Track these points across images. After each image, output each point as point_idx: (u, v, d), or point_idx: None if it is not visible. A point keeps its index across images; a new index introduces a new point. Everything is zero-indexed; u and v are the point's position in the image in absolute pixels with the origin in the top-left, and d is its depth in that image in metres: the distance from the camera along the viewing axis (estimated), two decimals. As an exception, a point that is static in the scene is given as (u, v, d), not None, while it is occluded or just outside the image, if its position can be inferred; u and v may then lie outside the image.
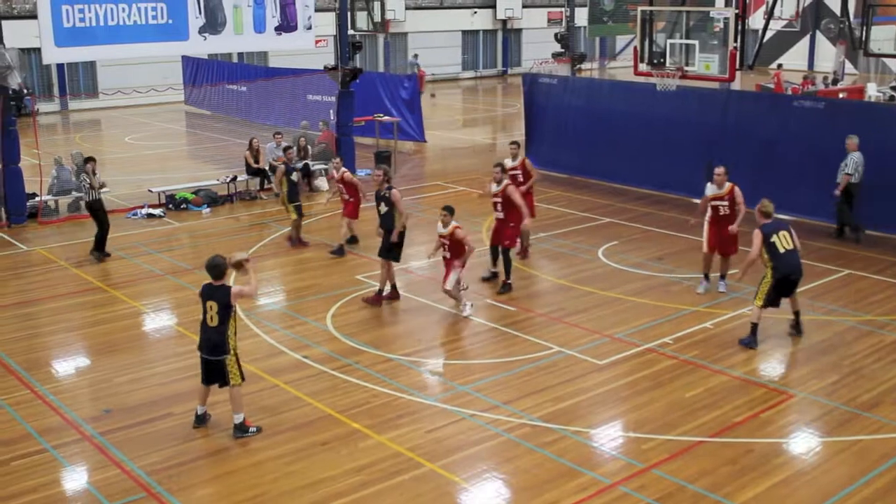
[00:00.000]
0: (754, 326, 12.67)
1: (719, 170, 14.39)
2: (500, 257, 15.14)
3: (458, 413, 10.70)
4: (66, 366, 12.58)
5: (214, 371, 10.25)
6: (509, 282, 14.95)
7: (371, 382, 11.51)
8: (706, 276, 14.83)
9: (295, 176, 17.95)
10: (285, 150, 19.02)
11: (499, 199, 14.85)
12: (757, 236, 12.51)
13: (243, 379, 10.34)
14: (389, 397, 11.15)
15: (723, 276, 14.77)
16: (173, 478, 9.35)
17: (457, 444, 10.02)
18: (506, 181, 14.93)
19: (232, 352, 10.19)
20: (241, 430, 10.24)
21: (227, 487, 9.23)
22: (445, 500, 8.98)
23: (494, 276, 15.32)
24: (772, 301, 12.61)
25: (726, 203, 14.33)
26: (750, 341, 12.60)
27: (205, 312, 10.17)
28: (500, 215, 14.96)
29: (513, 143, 17.42)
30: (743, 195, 14.32)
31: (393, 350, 12.56)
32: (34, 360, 12.54)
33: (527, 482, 9.24)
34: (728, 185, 14.34)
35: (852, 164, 17.32)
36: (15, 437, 10.28)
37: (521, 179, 16.34)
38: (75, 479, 9.50)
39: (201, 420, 10.52)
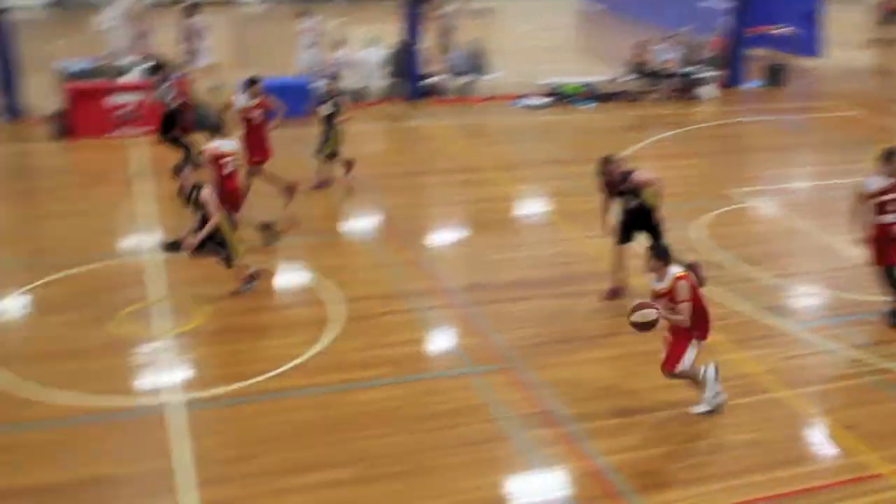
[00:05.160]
0: None
1: None
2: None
3: (822, 346, 10.21)
4: (442, 237, 13.52)
5: None
6: None
7: (730, 301, 11.18)
8: None
9: (327, 108, 14.26)
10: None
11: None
12: None
13: None
14: (748, 318, 10.81)
15: None
16: (529, 357, 9.74)
17: (814, 376, 9.63)
18: None
19: None
20: None
21: (581, 374, 9.44)
22: (791, 430, 8.62)
23: None
24: None
25: None
26: None
27: None
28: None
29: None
30: None
31: (768, 269, 12.07)
32: (415, 230, 13.53)
33: (879, 430, 8.58)
34: None
35: None
36: (391, 294, 11.23)
37: None
38: (443, 340, 10.28)
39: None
